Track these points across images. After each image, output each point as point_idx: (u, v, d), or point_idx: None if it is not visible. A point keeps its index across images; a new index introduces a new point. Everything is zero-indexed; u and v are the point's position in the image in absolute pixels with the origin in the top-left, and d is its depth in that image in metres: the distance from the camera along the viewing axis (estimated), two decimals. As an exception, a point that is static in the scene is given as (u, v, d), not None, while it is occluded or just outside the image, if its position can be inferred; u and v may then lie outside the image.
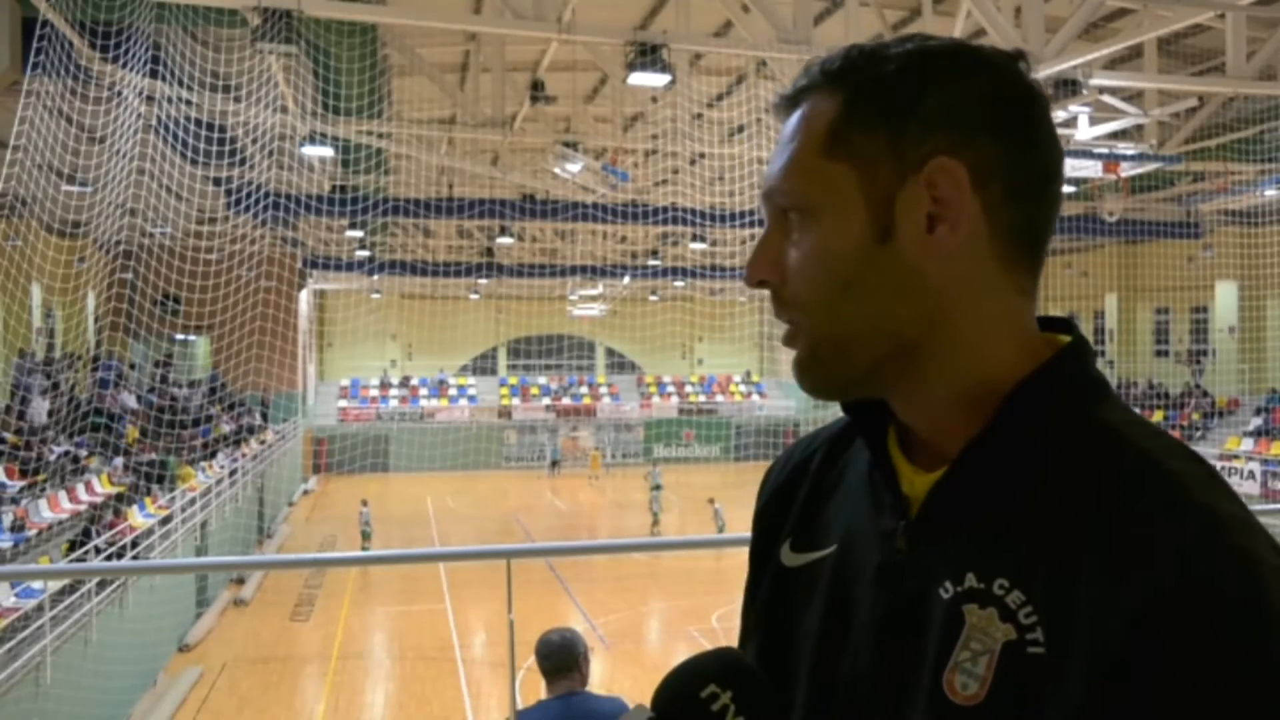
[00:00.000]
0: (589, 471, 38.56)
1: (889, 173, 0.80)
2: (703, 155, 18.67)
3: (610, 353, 47.19)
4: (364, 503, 24.74)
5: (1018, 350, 0.82)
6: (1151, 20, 11.82)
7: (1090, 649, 0.69)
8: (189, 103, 12.87)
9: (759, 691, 0.88)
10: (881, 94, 0.81)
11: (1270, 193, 20.20)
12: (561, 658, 3.50)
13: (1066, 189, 20.16)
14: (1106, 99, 14.21)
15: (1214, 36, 14.16)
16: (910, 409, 0.86)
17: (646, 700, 0.91)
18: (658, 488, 29.98)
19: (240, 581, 20.72)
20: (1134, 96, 15.29)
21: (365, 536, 23.66)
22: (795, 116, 0.85)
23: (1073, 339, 0.84)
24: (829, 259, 0.81)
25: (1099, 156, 15.52)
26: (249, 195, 17.27)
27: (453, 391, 44.12)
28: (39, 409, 16.08)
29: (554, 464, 39.54)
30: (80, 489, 16.08)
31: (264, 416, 30.72)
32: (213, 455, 22.39)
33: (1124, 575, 0.69)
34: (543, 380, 45.39)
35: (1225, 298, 27.15)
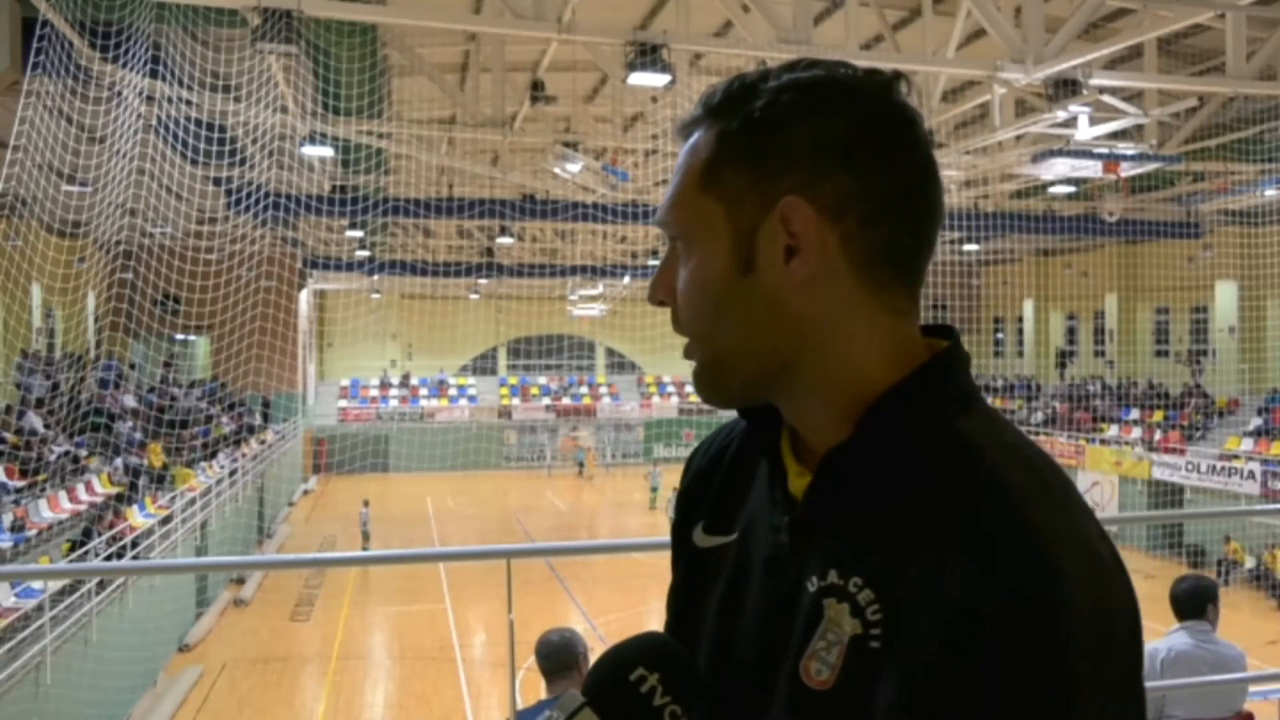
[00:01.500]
0: (586, 470, 38.58)
1: (752, 207, 0.85)
2: (703, 155, 18.63)
3: (610, 353, 47.18)
4: (365, 503, 24.75)
5: (888, 362, 0.86)
6: (1151, 20, 11.82)
7: (908, 648, 0.75)
8: (189, 103, 12.87)
9: (685, 673, 0.92)
10: (747, 131, 0.86)
11: (1270, 193, 20.20)
12: (561, 657, 3.50)
13: (1067, 189, 20.10)
14: (1106, 99, 14.21)
15: (1214, 36, 14.15)
16: (793, 416, 0.92)
17: None
18: (656, 489, 30.08)
19: (240, 581, 20.73)
20: (1134, 96, 15.28)
21: (365, 536, 23.68)
22: (684, 148, 0.91)
23: (945, 348, 0.89)
24: (702, 286, 0.88)
25: (1099, 156, 15.53)
26: (249, 195, 17.27)
27: (453, 391, 44.11)
28: (32, 422, 16.05)
29: (580, 465, 39.54)
30: (80, 489, 16.08)
31: (264, 417, 30.73)
32: (213, 455, 22.39)
33: (945, 582, 0.74)
34: (543, 380, 45.38)
35: (1225, 298, 27.14)
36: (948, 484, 0.79)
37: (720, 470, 1.03)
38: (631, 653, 0.92)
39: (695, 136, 0.90)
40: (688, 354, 0.92)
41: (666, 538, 1.10)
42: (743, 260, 0.86)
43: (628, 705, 0.89)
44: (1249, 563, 21.93)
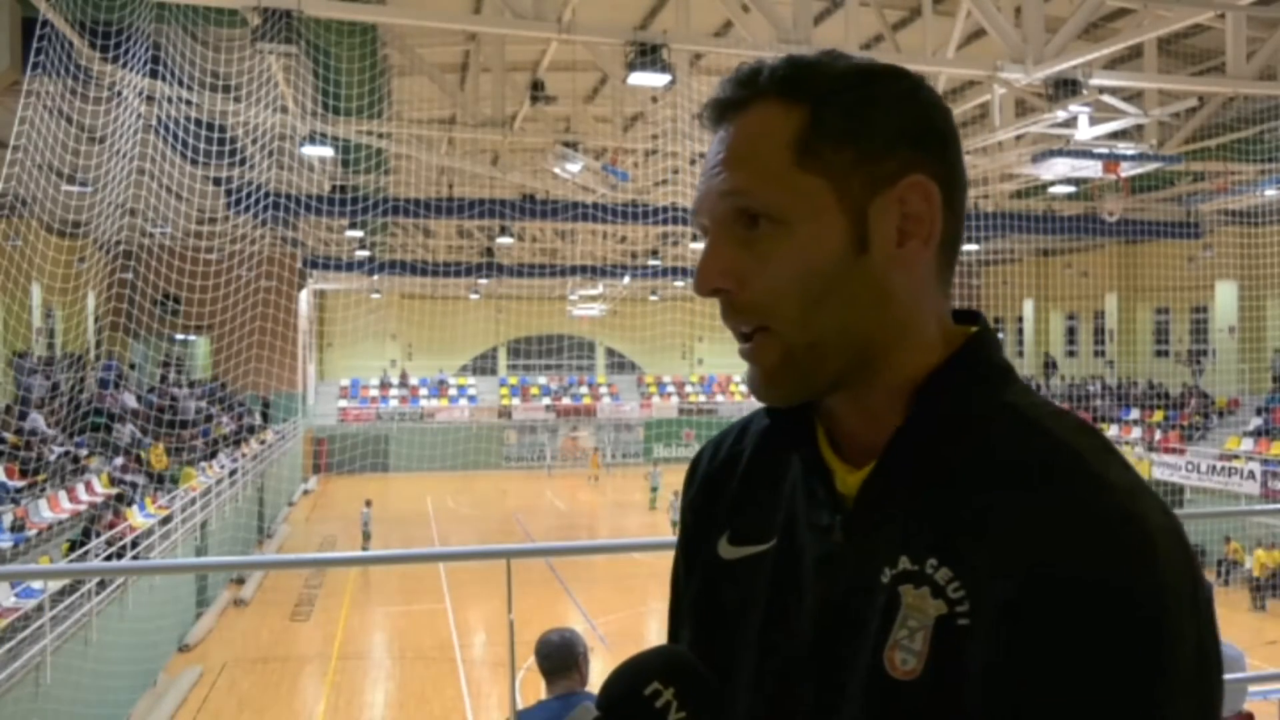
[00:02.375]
0: (589, 471, 38.57)
1: (860, 186, 0.83)
2: (703, 155, 18.59)
3: (610, 353, 47.18)
4: (367, 503, 24.74)
5: (938, 343, 0.88)
6: (1151, 20, 11.82)
7: (999, 616, 0.74)
8: (189, 103, 12.87)
9: (700, 687, 0.90)
10: (845, 108, 0.84)
11: (1270, 193, 20.20)
12: (561, 658, 3.49)
13: (1067, 189, 20.18)
14: (1106, 99, 14.21)
15: (1214, 36, 14.15)
16: (851, 407, 0.89)
17: None
18: (655, 489, 30.07)
19: (240, 581, 20.73)
20: (1134, 96, 15.28)
21: (366, 536, 23.69)
22: (744, 122, 0.86)
23: (977, 330, 0.90)
24: (808, 268, 0.83)
25: (1099, 156, 15.52)
26: (249, 195, 17.27)
27: (453, 391, 44.12)
28: (35, 421, 16.05)
29: (654, 490, 37.60)
30: (80, 489, 16.08)
31: (264, 416, 30.73)
32: (213, 455, 22.39)
33: (1022, 547, 0.74)
34: (543, 380, 45.39)
35: (1225, 298, 27.14)
36: (1016, 453, 0.80)
37: (735, 477, 1.00)
38: (646, 666, 0.91)
39: (755, 112, 0.86)
40: (753, 351, 0.87)
41: (666, 538, 1.08)
42: (857, 240, 0.83)
43: (641, 719, 0.88)
44: (1249, 563, 21.93)
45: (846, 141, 0.83)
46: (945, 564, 0.79)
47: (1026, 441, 0.80)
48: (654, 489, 31.22)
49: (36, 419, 16.13)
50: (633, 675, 0.90)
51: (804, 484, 0.92)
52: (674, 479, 32.12)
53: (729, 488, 1.00)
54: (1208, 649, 0.73)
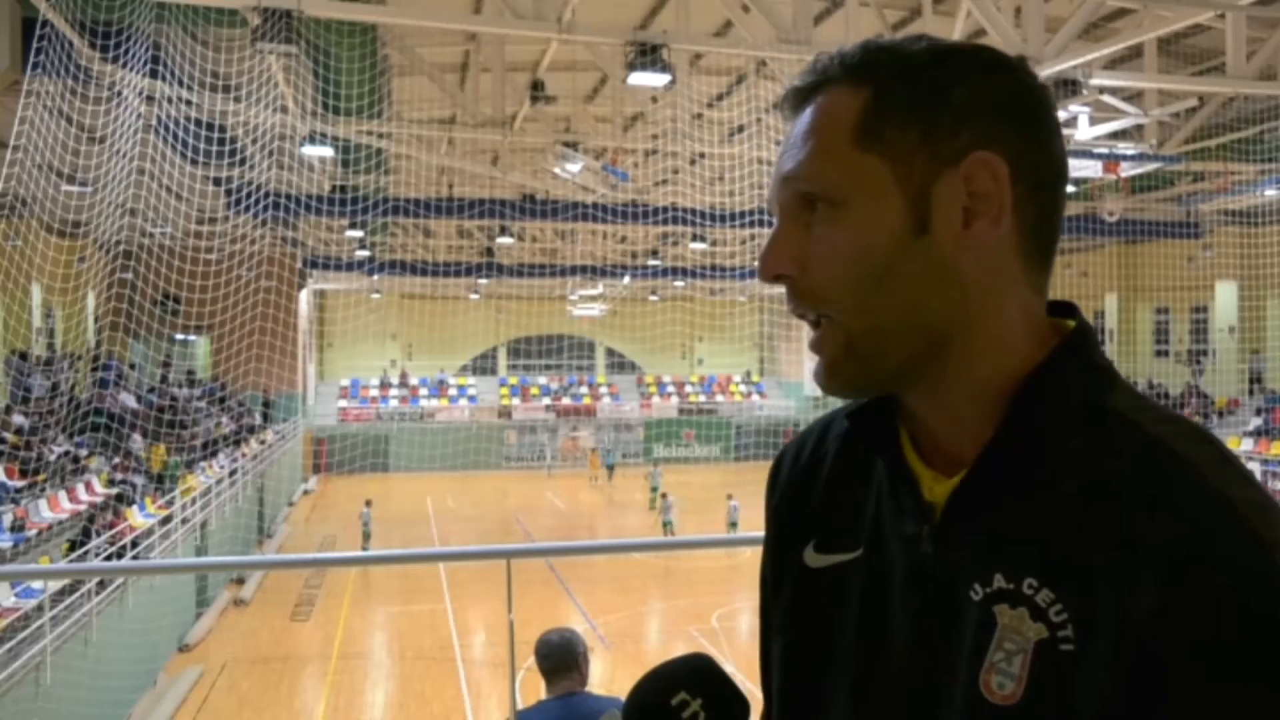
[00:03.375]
0: (589, 472, 38.57)
1: (924, 165, 0.80)
2: (703, 155, 18.67)
3: (610, 353, 47.18)
4: (367, 503, 24.73)
5: (1032, 343, 0.82)
6: (1151, 20, 11.82)
7: (1111, 642, 0.70)
8: (189, 103, 12.87)
9: (728, 699, 0.89)
10: (911, 87, 0.81)
11: (1270, 193, 20.20)
12: (561, 658, 3.49)
13: (1067, 189, 20.41)
14: (1106, 99, 14.21)
15: (1214, 36, 14.16)
16: (931, 407, 0.85)
17: None
18: (655, 489, 30.06)
19: (240, 581, 20.71)
20: (1134, 96, 15.29)
21: (366, 536, 23.68)
22: (812, 108, 0.84)
23: (1076, 325, 0.85)
24: (863, 250, 0.80)
25: (1099, 156, 15.52)
26: (249, 195, 17.27)
27: (453, 391, 44.12)
28: (17, 420, 16.02)
29: (610, 469, 37.33)
30: (80, 489, 16.08)
31: (264, 416, 30.73)
32: (213, 455, 22.39)
33: (1139, 565, 0.70)
34: (543, 380, 45.39)
35: (1225, 298, 27.15)
36: (1123, 464, 0.75)
37: (819, 481, 0.96)
38: (674, 675, 0.90)
39: (825, 97, 0.83)
40: (818, 341, 0.84)
41: (666, 538, 1.07)
42: (917, 220, 0.79)
43: None
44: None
45: (911, 119, 0.80)
46: (1047, 585, 0.74)
47: (1136, 453, 0.75)
48: (654, 489, 31.25)
49: (20, 419, 16.09)
50: (660, 684, 0.90)
51: (890, 490, 0.88)
52: (674, 478, 32.17)
53: (814, 493, 0.96)
54: None
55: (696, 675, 0.90)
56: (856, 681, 0.87)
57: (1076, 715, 0.71)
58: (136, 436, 19.41)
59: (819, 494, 0.96)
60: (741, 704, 0.90)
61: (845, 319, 0.82)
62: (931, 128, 0.80)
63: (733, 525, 22.49)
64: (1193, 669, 0.67)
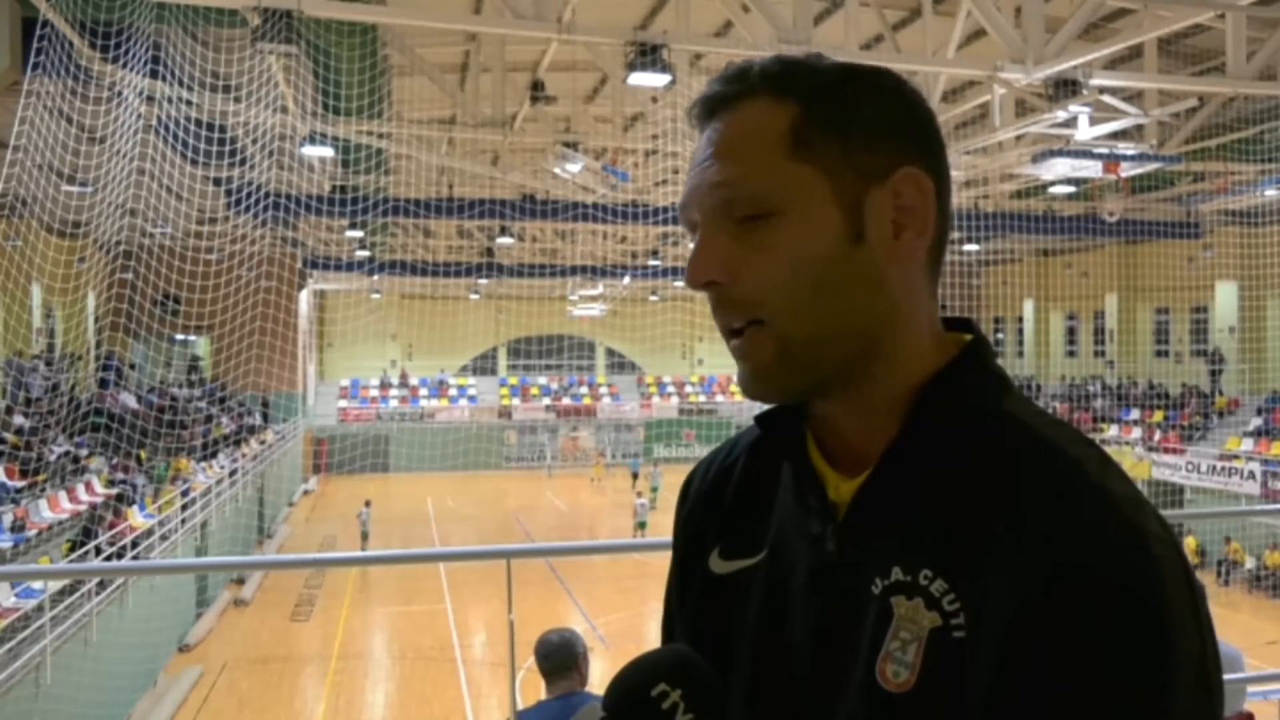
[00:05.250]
0: (591, 473, 38.57)
1: (854, 179, 0.83)
2: (702, 155, 18.63)
3: (610, 353, 47.18)
4: (366, 503, 24.74)
5: (933, 350, 0.87)
6: (1151, 20, 11.81)
7: (998, 628, 0.73)
8: (189, 103, 12.86)
9: (708, 689, 0.89)
10: (832, 102, 0.84)
11: (1270, 193, 20.19)
12: (561, 658, 3.49)
13: (1067, 189, 20.17)
14: (1106, 99, 14.20)
15: (1214, 36, 14.15)
16: (845, 410, 0.88)
17: None
18: (655, 489, 30.13)
19: (240, 582, 20.73)
20: (1134, 96, 15.28)
21: (364, 536, 23.69)
22: (734, 116, 0.85)
23: (974, 337, 0.89)
24: (804, 257, 0.82)
25: (1099, 157, 15.53)
26: (249, 195, 17.26)
27: (453, 392, 44.12)
28: (18, 420, 16.02)
29: (635, 476, 34.87)
30: (80, 489, 16.08)
31: (264, 417, 30.72)
32: (213, 455, 22.39)
33: (1028, 556, 0.74)
34: (543, 380, 45.39)
35: (1225, 298, 27.14)
36: (1015, 461, 0.79)
37: (728, 491, 0.98)
38: (654, 666, 0.90)
39: (746, 108, 0.85)
40: (744, 348, 0.85)
41: (668, 538, 1.07)
42: (853, 230, 0.82)
43: None
44: (1249, 563, 21.94)
45: (836, 135, 0.83)
46: (940, 576, 0.78)
47: (1027, 452, 0.79)
48: (654, 489, 31.27)
49: (20, 420, 16.09)
50: (640, 675, 0.89)
51: (795, 493, 0.90)
52: (675, 479, 32.15)
53: (722, 503, 0.98)
54: (1208, 652, 0.74)
55: (675, 666, 0.90)
56: (751, 680, 0.89)
57: (967, 701, 0.74)
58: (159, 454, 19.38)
59: (727, 503, 0.98)
60: (720, 693, 0.90)
61: (782, 325, 0.83)
62: (855, 143, 0.83)
63: None
64: (1077, 660, 0.70)
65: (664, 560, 1.09)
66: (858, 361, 0.84)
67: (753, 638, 0.90)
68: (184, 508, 17.71)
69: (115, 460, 17.90)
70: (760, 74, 0.86)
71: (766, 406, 0.93)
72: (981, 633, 0.74)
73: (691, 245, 0.87)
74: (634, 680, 0.89)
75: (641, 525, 25.73)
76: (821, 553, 0.86)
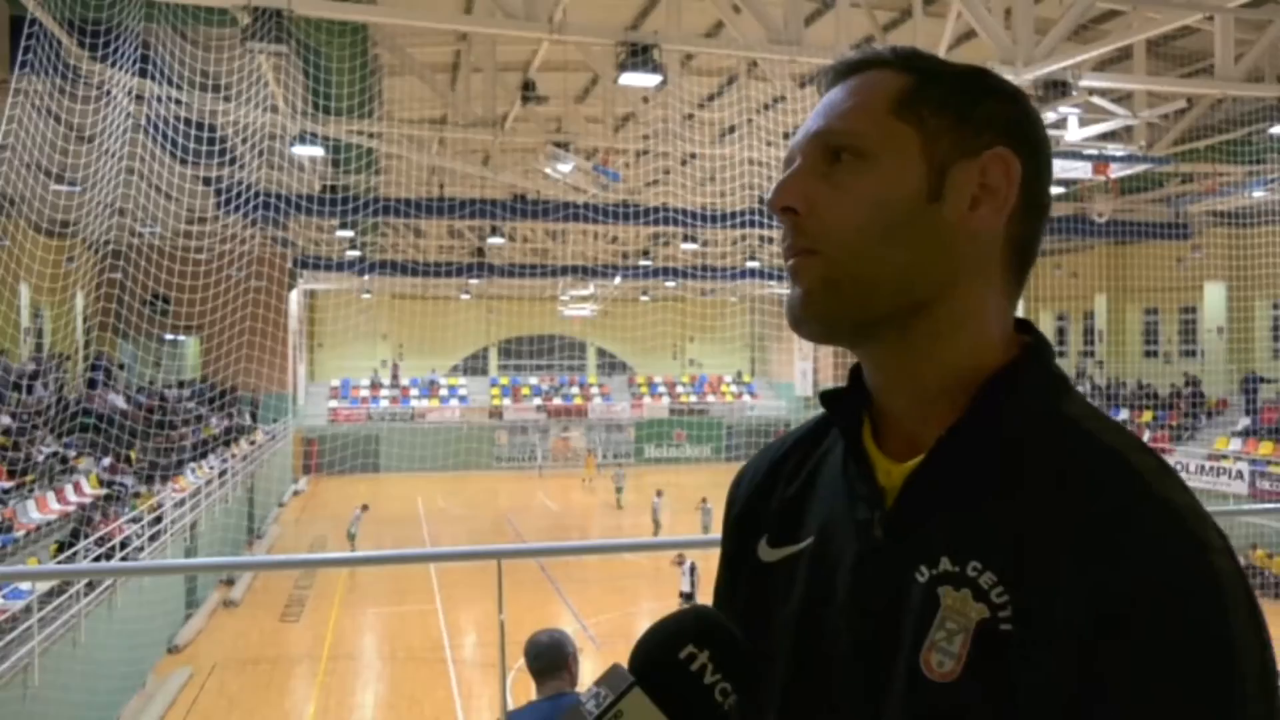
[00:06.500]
0: (583, 474, 38.56)
1: (949, 147, 0.87)
2: (694, 156, 18.68)
3: (601, 353, 47.17)
4: (364, 507, 24.57)
5: (1000, 345, 0.88)
6: (1140, 22, 11.87)
7: (1059, 629, 0.73)
8: (178, 102, 12.82)
9: (735, 650, 0.89)
10: (950, 85, 0.89)
11: (1258, 194, 20.28)
12: (550, 658, 3.49)
13: (1056, 190, 20.29)
14: (1096, 100, 14.25)
15: (1202, 38, 14.21)
16: (897, 382, 0.90)
17: None
18: (619, 490, 30.54)
19: (230, 582, 20.66)
20: (1123, 98, 15.34)
21: (350, 538, 23.59)
22: (856, 79, 0.91)
23: (1035, 339, 0.91)
24: (881, 200, 0.86)
25: (1088, 158, 15.57)
26: (239, 195, 17.21)
27: (444, 392, 44.05)
28: (6, 423, 15.92)
29: (619, 490, 32.89)
30: (69, 490, 16.00)
31: (253, 417, 30.63)
32: (203, 456, 22.31)
33: (1093, 562, 0.74)
34: (534, 380, 45.35)
35: (1214, 298, 27.25)
36: (1075, 465, 0.79)
37: (779, 483, 1.00)
38: (681, 629, 0.89)
39: (869, 74, 0.90)
40: (797, 269, 0.88)
41: (657, 538, 1.06)
42: (932, 188, 0.86)
43: (677, 683, 0.86)
44: (1242, 563, 22.04)
45: (946, 109, 0.87)
46: (990, 569, 0.78)
47: (1086, 456, 0.80)
48: (619, 490, 31.65)
49: (7, 420, 16.00)
50: (667, 638, 0.89)
51: (843, 477, 0.92)
52: (665, 478, 32.17)
53: (773, 496, 1.00)
54: (1268, 662, 0.74)
55: (703, 627, 0.89)
56: (794, 664, 0.90)
57: (1013, 694, 0.75)
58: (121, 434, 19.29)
59: (777, 492, 1.00)
60: (749, 655, 0.90)
61: (839, 258, 0.86)
62: (962, 120, 0.87)
63: (705, 528, 22.66)
64: (1144, 675, 0.70)
65: (652, 561, 1.09)
66: (904, 317, 0.87)
67: (796, 620, 0.91)
68: (158, 520, 17.61)
69: (109, 461, 17.82)
70: (890, 50, 0.92)
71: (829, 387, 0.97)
72: (1033, 633, 0.75)
73: None
74: (660, 643, 0.89)
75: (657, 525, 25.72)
76: (868, 538, 0.87)
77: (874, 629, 0.84)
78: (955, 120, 0.87)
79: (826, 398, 0.96)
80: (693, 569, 17.31)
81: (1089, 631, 0.72)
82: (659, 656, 0.88)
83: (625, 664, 0.89)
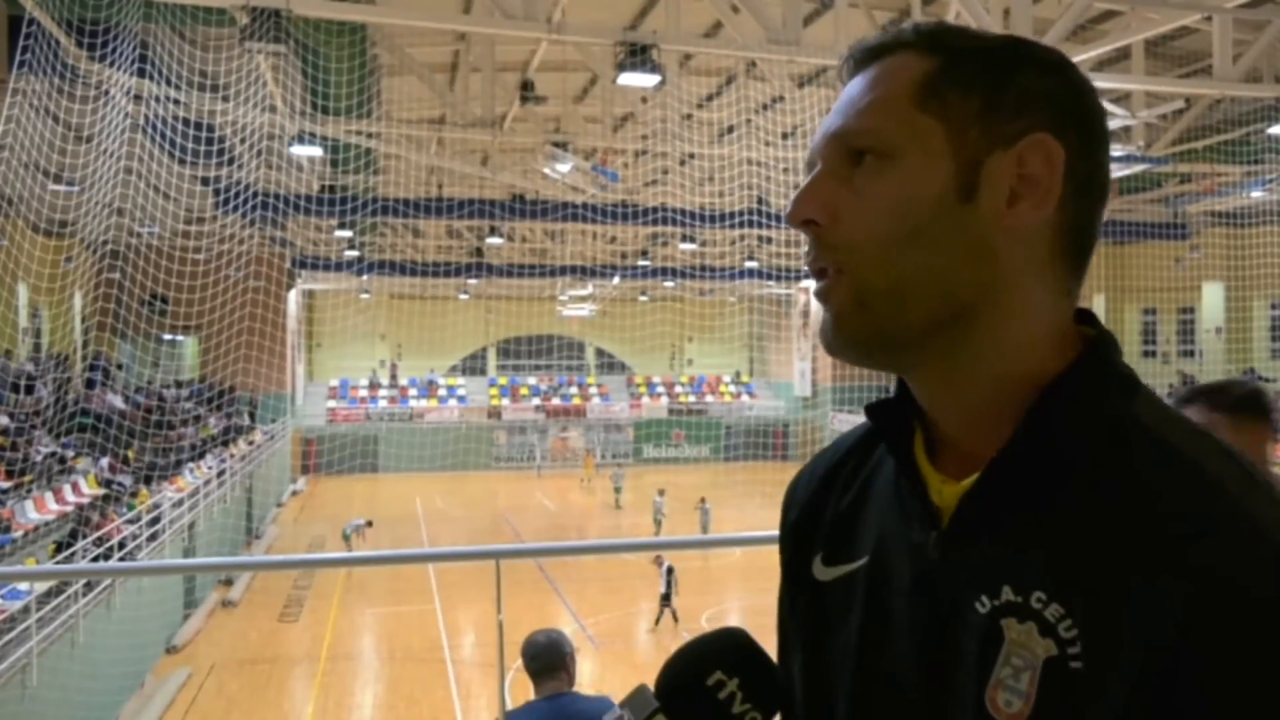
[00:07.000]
0: (581, 474, 38.56)
1: (978, 137, 0.78)
2: (692, 156, 18.69)
3: (600, 353, 47.17)
4: (369, 523, 24.43)
5: (1055, 347, 0.80)
6: (1139, 22, 11.88)
7: (1131, 664, 0.67)
8: (177, 102, 12.82)
9: (766, 678, 0.85)
10: (980, 62, 0.80)
11: (1256, 194, 20.32)
12: (548, 658, 3.49)
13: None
14: (1094, 100, 14.25)
15: (1201, 39, 14.23)
16: (945, 398, 0.83)
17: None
18: (618, 490, 30.48)
19: (228, 582, 20.65)
20: (1122, 98, 15.36)
21: (345, 538, 23.54)
22: (876, 68, 0.83)
23: (1098, 333, 0.83)
24: (904, 203, 0.78)
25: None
26: (237, 195, 17.22)
27: (442, 392, 44.06)
28: (4, 423, 15.92)
29: (617, 490, 32.53)
30: (67, 490, 16.00)
31: (252, 417, 30.63)
32: (201, 456, 22.31)
33: (1166, 587, 0.67)
34: (532, 381, 45.35)
35: (1212, 298, 27.30)
36: (1146, 479, 0.71)
37: (832, 496, 0.94)
38: (710, 653, 0.86)
39: (892, 59, 0.82)
40: (826, 291, 0.81)
41: (655, 539, 1.05)
42: (963, 187, 0.78)
43: (702, 712, 0.83)
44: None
45: (975, 91, 0.79)
46: (1056, 599, 0.71)
47: (1159, 468, 0.72)
48: (617, 489, 31.56)
49: (5, 420, 15.99)
50: (694, 663, 0.85)
51: (895, 495, 0.86)
52: (664, 479, 32.15)
53: (826, 508, 0.94)
54: None
55: (733, 652, 0.86)
56: (854, 695, 0.84)
57: None
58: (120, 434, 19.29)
59: (830, 506, 0.94)
60: (779, 681, 0.87)
61: (865, 274, 0.79)
62: (993, 103, 0.79)
63: (704, 528, 22.63)
64: (1218, 698, 0.64)
65: (652, 562, 1.09)
66: (945, 329, 0.79)
67: (856, 648, 0.85)
68: (157, 520, 17.61)
69: (107, 461, 17.81)
70: (914, 30, 0.84)
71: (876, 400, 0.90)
72: (1104, 667, 0.68)
73: None
74: (687, 668, 0.85)
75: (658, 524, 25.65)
76: (924, 561, 0.80)
77: (935, 660, 0.78)
78: (986, 104, 0.78)
79: (873, 410, 0.89)
80: (670, 570, 17.17)
81: (1164, 663, 0.65)
82: (685, 682, 0.84)
83: (652, 685, 0.86)
